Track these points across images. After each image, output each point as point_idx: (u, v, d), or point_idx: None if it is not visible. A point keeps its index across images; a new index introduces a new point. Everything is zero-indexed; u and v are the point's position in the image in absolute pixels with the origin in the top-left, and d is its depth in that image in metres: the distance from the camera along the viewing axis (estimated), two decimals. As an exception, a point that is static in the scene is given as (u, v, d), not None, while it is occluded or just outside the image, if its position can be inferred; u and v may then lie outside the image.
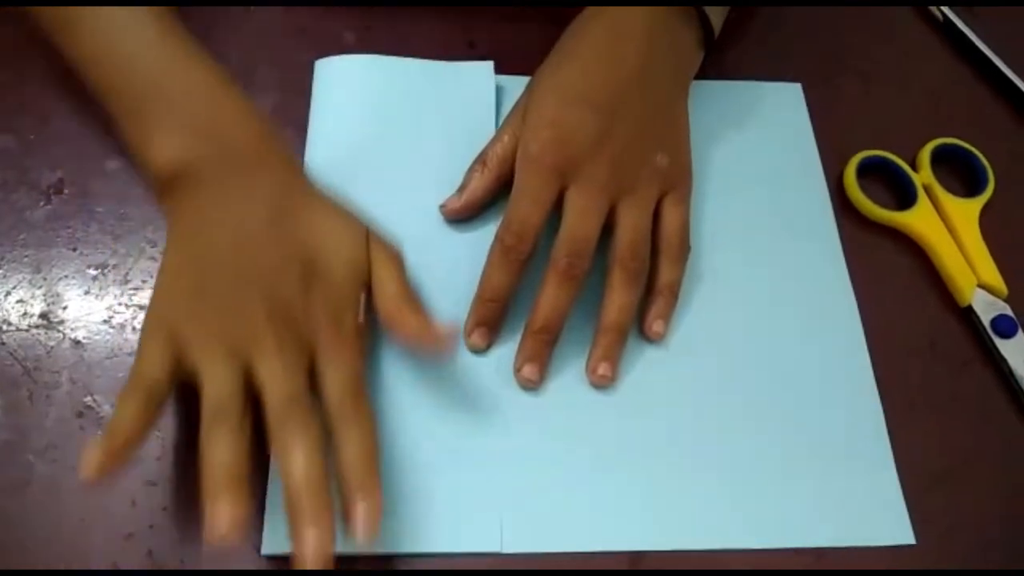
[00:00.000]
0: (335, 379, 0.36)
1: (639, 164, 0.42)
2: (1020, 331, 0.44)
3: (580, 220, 0.41)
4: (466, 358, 0.42)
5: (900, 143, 0.50)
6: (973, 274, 0.46)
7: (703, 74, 0.47)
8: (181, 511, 0.37)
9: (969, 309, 0.45)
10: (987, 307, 0.45)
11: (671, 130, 0.45)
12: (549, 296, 0.40)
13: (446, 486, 0.38)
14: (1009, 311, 0.45)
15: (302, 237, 0.38)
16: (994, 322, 0.44)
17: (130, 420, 0.34)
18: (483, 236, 0.42)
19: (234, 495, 0.32)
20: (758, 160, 0.49)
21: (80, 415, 0.39)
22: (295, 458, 0.33)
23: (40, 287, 0.42)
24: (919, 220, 0.47)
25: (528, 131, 0.42)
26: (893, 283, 0.46)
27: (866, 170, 0.49)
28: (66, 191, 0.44)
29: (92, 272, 0.42)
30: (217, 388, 0.35)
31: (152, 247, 0.43)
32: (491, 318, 0.41)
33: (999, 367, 0.44)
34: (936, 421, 0.42)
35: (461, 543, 0.37)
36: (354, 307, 0.38)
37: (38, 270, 0.42)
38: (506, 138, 0.44)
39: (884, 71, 0.53)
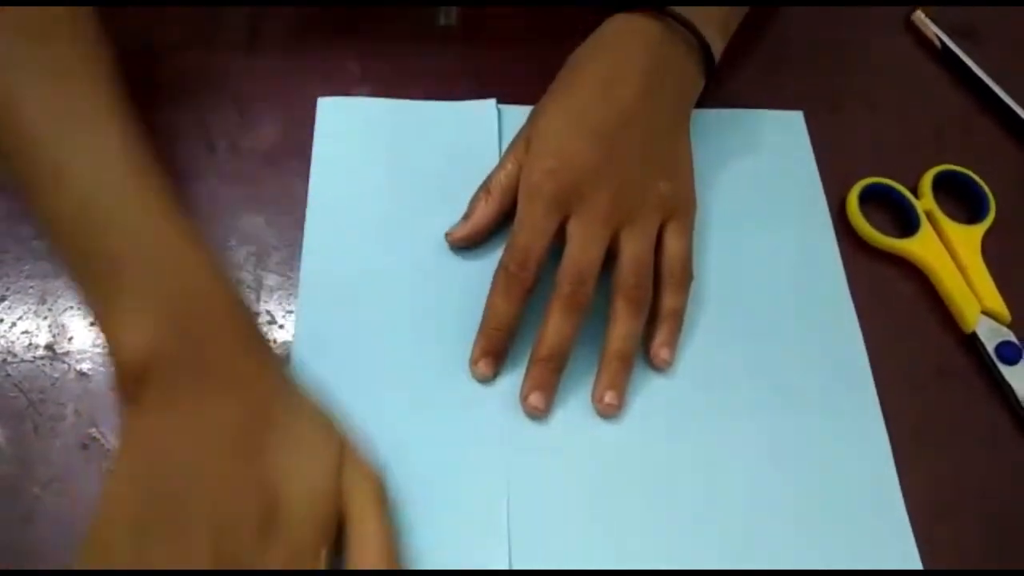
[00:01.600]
0: None
1: (641, 192, 0.43)
2: (1024, 358, 0.44)
3: (582, 248, 0.41)
4: (472, 387, 0.42)
5: (901, 170, 0.50)
6: (976, 301, 0.46)
7: (704, 102, 0.47)
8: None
9: (973, 336, 0.45)
10: (991, 334, 0.45)
11: (673, 157, 0.45)
12: (554, 324, 0.40)
13: (456, 507, 0.38)
14: (1013, 337, 0.45)
15: (265, 474, 0.33)
16: (998, 349, 0.44)
17: None
18: (489, 266, 0.42)
19: None
20: (760, 188, 0.49)
21: (85, 447, 0.39)
22: None
23: (45, 318, 0.42)
24: (922, 247, 0.47)
25: (531, 161, 0.43)
26: (897, 310, 0.46)
27: (868, 197, 0.49)
28: (72, 221, 0.44)
29: (98, 303, 0.42)
30: None
31: (158, 277, 0.43)
32: (496, 347, 0.41)
33: (1004, 394, 0.44)
34: (941, 449, 0.42)
35: (470, 560, 0.37)
36: (317, 556, 0.33)
37: (43, 301, 0.42)
38: (509, 166, 0.44)
39: (884, 99, 0.54)
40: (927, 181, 0.49)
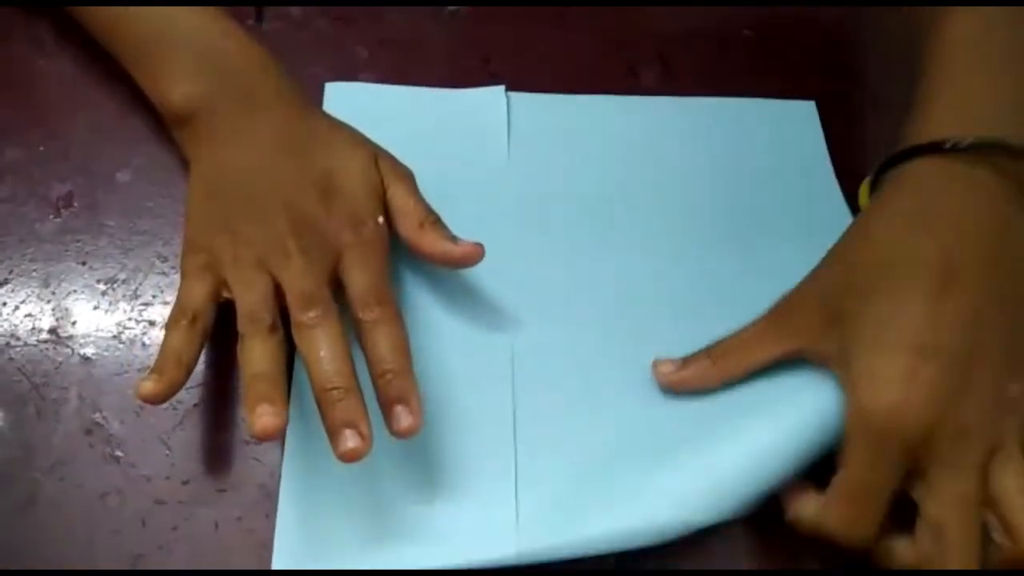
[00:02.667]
0: (359, 280, 0.37)
1: (1001, 408, 0.34)
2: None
3: (959, 526, 0.33)
4: (475, 395, 0.40)
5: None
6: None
7: (718, 92, 0.47)
8: (191, 532, 0.37)
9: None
10: (1003, 329, 0.44)
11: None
12: None
13: (461, 492, 0.38)
14: None
15: (315, 159, 0.40)
16: (1011, 345, 0.44)
17: (179, 345, 0.36)
18: (496, 256, 0.41)
19: (271, 405, 0.33)
20: (774, 178, 0.49)
21: (88, 432, 0.38)
22: (319, 354, 0.35)
23: (49, 302, 0.41)
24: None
25: (863, 388, 0.34)
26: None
27: (880, 190, 0.48)
28: (76, 204, 0.44)
29: (101, 287, 0.42)
30: (248, 299, 0.36)
31: (163, 262, 0.43)
32: None
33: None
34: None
35: (476, 552, 0.37)
36: (374, 216, 0.39)
37: (47, 284, 0.42)
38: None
39: (898, 91, 0.53)
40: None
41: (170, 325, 0.37)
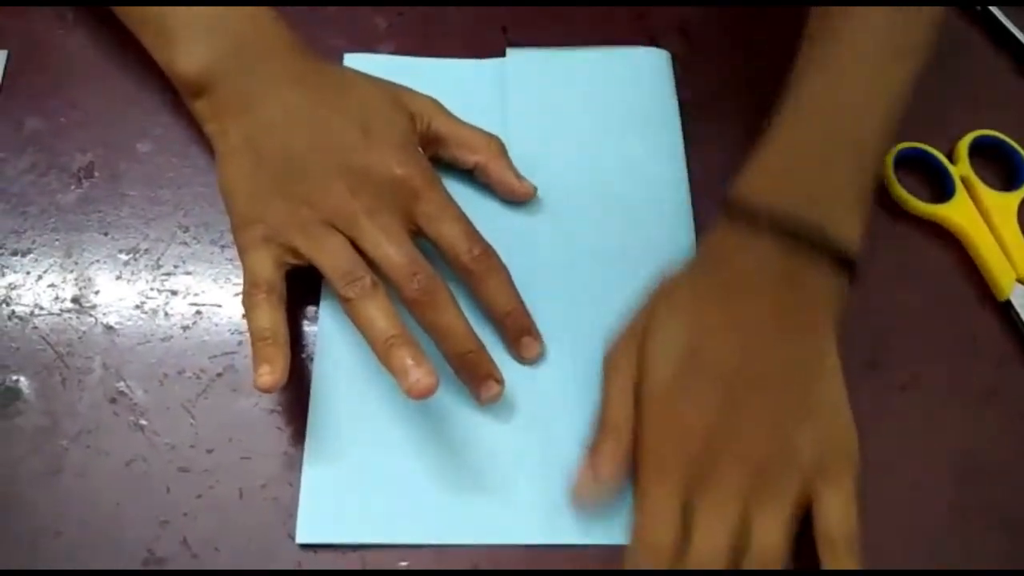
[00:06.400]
0: (452, 231, 0.39)
1: (777, 451, 0.36)
2: (1060, 326, 0.43)
3: (708, 537, 0.35)
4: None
5: (937, 135, 0.49)
6: (1012, 268, 0.45)
7: (738, 61, 0.46)
8: (216, 499, 0.37)
9: (1008, 303, 0.44)
10: (1026, 301, 0.44)
11: (818, 396, 0.37)
12: None
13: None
14: (1048, 306, 0.44)
15: (345, 102, 0.40)
16: (1033, 317, 0.44)
17: (267, 323, 0.36)
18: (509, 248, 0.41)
19: (419, 365, 0.35)
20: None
21: (113, 401, 0.39)
22: (446, 325, 0.37)
23: (72, 271, 0.41)
24: (957, 213, 0.47)
25: (652, 419, 0.37)
26: (931, 276, 0.46)
27: (903, 162, 0.48)
28: (97, 174, 0.44)
29: (124, 257, 0.42)
30: (333, 262, 0.37)
31: (184, 232, 0.43)
32: None
33: (1038, 362, 0.43)
34: (973, 415, 0.42)
35: (500, 531, 0.37)
36: (418, 149, 0.40)
37: (69, 254, 0.42)
38: (623, 398, 0.38)
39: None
40: (963, 146, 0.48)
41: (249, 304, 0.37)
